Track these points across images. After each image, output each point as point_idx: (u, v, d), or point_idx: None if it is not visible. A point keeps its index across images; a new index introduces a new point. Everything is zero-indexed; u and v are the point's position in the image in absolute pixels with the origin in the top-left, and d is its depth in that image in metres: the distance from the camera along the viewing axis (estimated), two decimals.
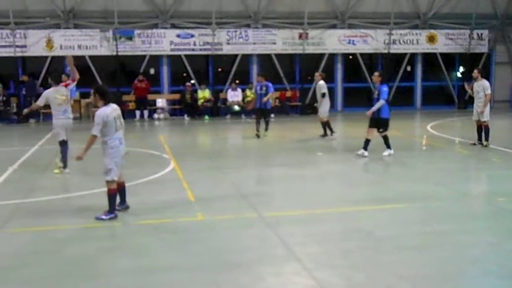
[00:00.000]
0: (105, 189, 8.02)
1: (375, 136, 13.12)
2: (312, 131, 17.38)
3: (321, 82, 16.93)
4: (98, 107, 7.97)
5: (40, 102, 11.39)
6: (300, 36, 24.44)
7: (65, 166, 11.46)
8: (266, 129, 17.14)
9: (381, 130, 13.01)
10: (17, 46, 22.10)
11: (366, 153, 12.87)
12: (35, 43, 22.28)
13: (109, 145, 7.82)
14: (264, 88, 17.00)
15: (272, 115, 18.01)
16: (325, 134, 16.62)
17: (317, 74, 17.46)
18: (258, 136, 16.76)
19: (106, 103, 7.88)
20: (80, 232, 7.34)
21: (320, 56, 25.04)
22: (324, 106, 16.69)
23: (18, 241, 6.97)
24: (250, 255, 6.35)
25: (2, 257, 6.39)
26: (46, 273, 5.89)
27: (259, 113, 17.12)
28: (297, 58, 25.16)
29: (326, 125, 16.64)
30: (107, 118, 7.72)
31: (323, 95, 16.72)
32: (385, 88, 12.82)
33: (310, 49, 24.66)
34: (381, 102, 12.78)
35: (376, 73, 13.18)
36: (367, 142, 12.97)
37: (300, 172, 11.57)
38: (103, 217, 7.82)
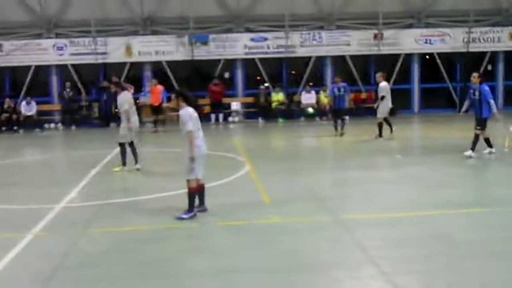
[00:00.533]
0: (184, 190, 8.20)
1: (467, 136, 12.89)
2: (389, 133, 17.08)
3: (383, 84, 16.82)
4: (177, 110, 8.19)
5: (128, 106, 12.16)
6: (375, 37, 24.10)
7: (124, 164, 12.32)
8: (342, 130, 17.31)
9: (478, 128, 12.76)
10: (98, 53, 23.00)
11: (480, 154, 12.82)
12: (115, 50, 23.11)
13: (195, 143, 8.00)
14: (342, 89, 17.27)
15: (347, 117, 18.00)
16: (381, 135, 16.52)
17: (378, 75, 17.30)
18: (338, 135, 17.15)
19: (187, 105, 8.11)
20: (160, 233, 7.54)
21: (396, 56, 24.58)
22: (382, 107, 16.56)
23: (102, 241, 7.25)
24: (326, 258, 6.32)
25: (87, 256, 6.66)
26: (128, 272, 6.10)
27: (336, 113, 17.45)
28: (372, 59, 24.81)
29: (380, 126, 16.56)
30: (192, 116, 7.95)
31: (382, 97, 16.58)
32: (487, 88, 12.75)
33: (385, 50, 24.26)
34: (492, 102, 12.72)
35: (476, 74, 13.00)
36: (487, 141, 12.95)
37: (376, 175, 11.40)
38: (184, 216, 8.02)
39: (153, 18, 23.61)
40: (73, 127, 22.81)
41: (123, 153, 12.32)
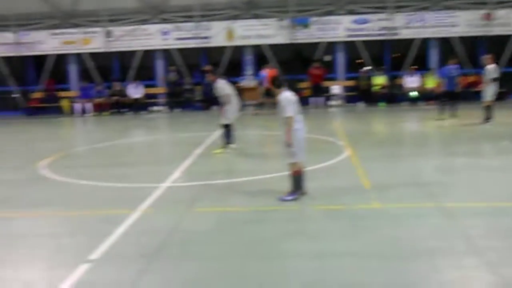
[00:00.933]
0: (284, 173, 8.27)
1: None
2: (499, 119, 16.25)
3: (491, 66, 16.01)
4: (274, 96, 8.30)
5: (229, 90, 12.76)
6: (485, 17, 22.90)
7: (226, 146, 12.77)
8: (453, 112, 16.81)
9: None
10: (201, 38, 23.54)
11: None
12: (217, 34, 23.55)
13: (294, 127, 8.07)
14: (454, 72, 17.04)
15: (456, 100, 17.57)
16: (487, 119, 15.75)
17: (486, 57, 16.45)
18: (443, 119, 16.75)
19: (283, 90, 8.18)
20: (260, 214, 7.67)
21: (507, 38, 23.26)
22: (488, 90, 15.82)
23: (205, 220, 7.48)
24: (428, 245, 6.17)
25: (190, 234, 6.91)
26: (228, 252, 6.26)
27: (448, 96, 17.00)
28: (480, 41, 23.64)
29: (488, 110, 15.80)
30: (290, 100, 8.03)
31: (495, 79, 15.83)
32: None
33: (496, 31, 23.00)
34: None
35: None
36: None
37: (483, 162, 10.93)
38: (286, 198, 8.13)
39: (254, 2, 23.80)
40: (177, 110, 23.57)
41: (227, 134, 12.76)
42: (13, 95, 24.63)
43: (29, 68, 24.87)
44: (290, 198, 8.14)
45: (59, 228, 7.48)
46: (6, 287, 5.57)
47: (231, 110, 12.79)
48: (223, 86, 12.75)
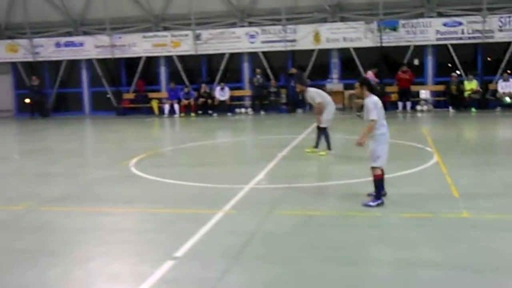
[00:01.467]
0: (368, 178, 8.12)
1: None
2: None
3: None
4: (362, 98, 8.20)
5: (321, 98, 12.79)
6: None
7: (317, 146, 12.93)
8: None
9: None
10: (288, 41, 23.59)
11: None
12: (303, 37, 23.52)
13: (378, 131, 7.96)
14: None
15: None
16: None
17: None
18: None
19: (371, 94, 8.08)
20: (343, 219, 7.56)
21: None
22: None
23: (288, 223, 7.46)
24: None
25: (273, 236, 6.91)
26: (310, 255, 6.20)
27: None
28: None
29: None
30: (377, 105, 7.94)
31: None
32: None
33: None
34: None
35: None
36: None
37: None
38: (371, 203, 7.98)
39: (342, 4, 23.58)
40: (262, 112, 23.73)
41: (326, 137, 12.77)
42: (107, 96, 25.69)
43: (121, 69, 25.85)
44: (374, 203, 7.98)
45: (146, 225, 7.69)
46: (95, 278, 5.79)
47: (327, 114, 12.75)
48: (313, 95, 12.81)
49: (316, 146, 12.88)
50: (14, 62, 26.00)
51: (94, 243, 6.94)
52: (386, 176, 8.35)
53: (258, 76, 23.92)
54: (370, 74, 21.23)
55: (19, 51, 25.62)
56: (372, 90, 8.14)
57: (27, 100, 25.28)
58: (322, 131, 12.83)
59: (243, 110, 24.44)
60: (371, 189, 8.16)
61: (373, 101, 7.97)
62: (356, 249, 6.34)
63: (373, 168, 8.06)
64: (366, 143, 8.05)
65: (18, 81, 26.46)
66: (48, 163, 13.21)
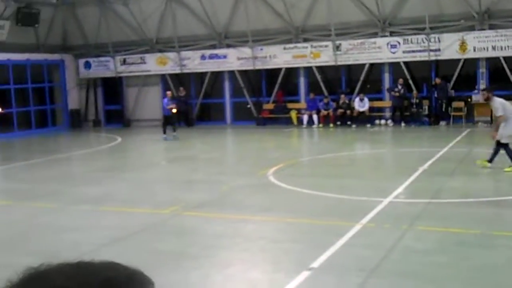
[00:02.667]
0: None
1: None
2: None
3: None
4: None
5: (502, 111, 11.63)
6: None
7: (490, 161, 11.79)
8: None
9: None
10: (431, 50, 22.78)
11: None
12: (448, 46, 22.57)
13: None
14: None
15: None
16: None
17: None
18: None
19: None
20: (488, 239, 7.14)
21: None
22: None
23: (427, 239, 7.19)
24: None
25: (412, 252, 6.69)
26: (450, 275, 5.93)
27: None
28: None
29: None
30: (504, 104, 8.01)
31: None
32: None
33: None
34: None
35: None
36: None
37: None
38: None
39: (491, 11, 22.33)
40: (402, 124, 23.11)
41: (509, 153, 11.57)
42: (247, 106, 26.47)
43: (262, 80, 26.51)
44: None
45: (284, 234, 7.80)
46: (234, 284, 5.97)
47: (507, 129, 11.56)
48: (497, 106, 11.73)
49: (490, 161, 11.81)
50: (163, 74, 27.67)
51: (233, 249, 7.17)
52: None
53: (400, 87, 23.33)
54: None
55: (167, 63, 27.21)
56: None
57: (174, 110, 26.79)
58: (501, 146, 11.68)
59: (382, 121, 23.95)
60: None
61: (498, 101, 7.90)
62: (503, 273, 5.95)
63: None
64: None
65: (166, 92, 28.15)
66: (192, 171, 13.88)
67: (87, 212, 9.54)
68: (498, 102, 11.74)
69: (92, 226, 8.53)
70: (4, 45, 24.56)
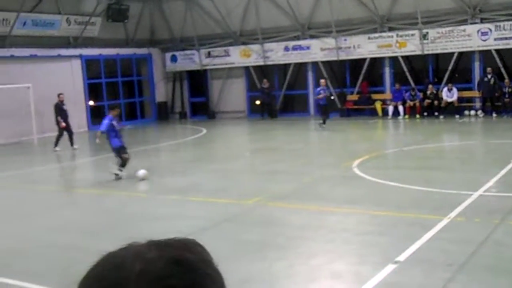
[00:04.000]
0: None
1: None
2: None
3: None
4: None
5: None
6: None
7: None
8: None
9: None
10: None
11: None
12: None
13: None
14: None
15: None
16: None
17: None
18: None
19: None
20: None
21: None
22: None
23: None
24: None
25: (504, 247, 6.43)
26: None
27: None
28: None
29: None
30: None
31: None
32: None
33: None
34: None
35: None
36: None
37: None
38: None
39: None
40: (494, 115, 22.14)
41: None
42: (331, 97, 26.27)
43: (346, 71, 26.19)
44: None
45: (369, 226, 7.70)
46: (318, 274, 5.97)
47: None
48: None
49: None
50: (247, 66, 27.91)
51: (317, 240, 7.17)
52: None
53: (489, 76, 22.35)
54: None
55: (251, 55, 27.42)
56: None
57: (258, 102, 26.98)
58: None
59: (472, 112, 23.04)
60: None
61: None
62: None
63: None
64: None
65: (250, 84, 28.33)
66: (276, 162, 13.95)
67: (175, 202, 9.83)
68: None
69: (179, 216, 8.78)
70: (95, 40, 25.68)
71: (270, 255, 6.57)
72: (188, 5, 27.44)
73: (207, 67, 28.41)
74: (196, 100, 29.49)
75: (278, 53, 26.72)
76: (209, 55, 28.21)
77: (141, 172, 11.80)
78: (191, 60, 28.58)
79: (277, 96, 27.48)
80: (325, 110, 20.92)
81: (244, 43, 27.72)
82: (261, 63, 27.28)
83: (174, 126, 26.26)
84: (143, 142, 19.84)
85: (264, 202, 9.33)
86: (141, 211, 9.27)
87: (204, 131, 22.31)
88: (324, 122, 20.40)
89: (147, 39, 29.13)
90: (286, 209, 8.82)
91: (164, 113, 29.07)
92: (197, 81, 29.06)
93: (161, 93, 29.62)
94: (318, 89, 21.05)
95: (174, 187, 11.05)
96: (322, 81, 21.69)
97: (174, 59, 29.16)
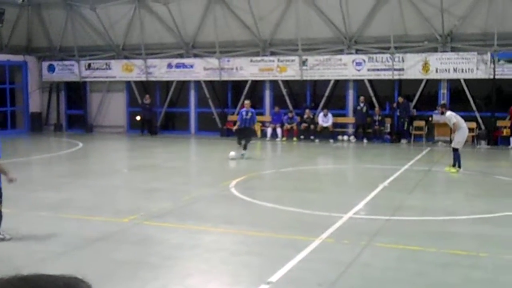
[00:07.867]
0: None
1: None
2: None
3: None
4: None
5: (456, 119, 14.34)
6: None
7: (459, 166, 14.10)
8: None
9: None
10: (395, 69, 23.20)
11: None
12: (412, 66, 23.04)
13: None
14: None
15: None
16: None
17: None
18: None
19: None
20: (443, 257, 7.26)
21: None
22: None
23: (385, 256, 7.30)
24: None
25: (370, 269, 6.78)
26: None
27: None
28: None
29: None
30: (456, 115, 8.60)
31: None
32: None
33: None
34: None
35: None
36: None
37: None
38: None
39: (454, 34, 22.88)
40: (365, 141, 23.42)
41: (457, 156, 14.20)
42: (212, 117, 26.43)
43: (228, 92, 26.53)
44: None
45: (244, 246, 7.80)
46: None
47: (459, 136, 14.23)
48: (449, 117, 14.36)
49: (459, 166, 14.10)
50: (128, 81, 27.43)
51: (193, 260, 7.14)
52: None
53: (362, 104, 23.67)
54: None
55: (133, 70, 27.00)
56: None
57: (138, 118, 26.54)
58: (455, 151, 14.24)
59: (345, 137, 24.22)
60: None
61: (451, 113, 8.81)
62: None
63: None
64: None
65: (131, 99, 27.84)
66: (154, 179, 13.76)
67: (45, 219, 9.37)
68: (450, 113, 14.39)
69: (50, 234, 8.37)
70: None
71: (144, 275, 6.44)
72: (69, 14, 26.53)
73: (87, 79, 27.57)
74: (74, 112, 28.45)
75: (161, 70, 26.53)
76: (89, 67, 27.40)
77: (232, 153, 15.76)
78: (70, 71, 27.58)
79: (158, 113, 27.21)
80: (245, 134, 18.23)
81: (126, 57, 27.24)
82: (143, 78, 26.93)
83: (48, 139, 25.11)
84: (13, 154, 18.75)
85: (140, 220, 9.15)
86: (6, 228, 8.71)
87: (81, 145, 21.54)
88: (245, 148, 17.82)
89: (23, 45, 27.73)
90: (163, 228, 8.72)
91: (38, 125, 27.71)
92: (76, 93, 28.08)
93: (35, 103, 28.23)
94: (243, 110, 18.64)
95: (46, 203, 10.54)
96: (246, 102, 19.24)
97: (51, 68, 27.99)
